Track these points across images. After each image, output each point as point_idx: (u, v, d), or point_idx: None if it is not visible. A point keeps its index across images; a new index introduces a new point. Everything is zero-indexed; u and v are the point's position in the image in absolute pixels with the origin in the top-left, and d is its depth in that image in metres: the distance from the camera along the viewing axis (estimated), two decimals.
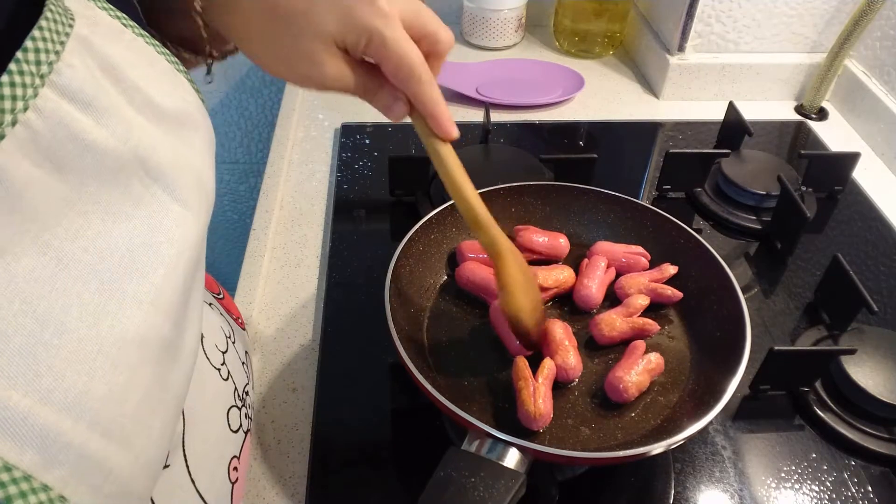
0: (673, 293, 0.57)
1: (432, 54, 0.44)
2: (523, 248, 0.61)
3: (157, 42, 0.33)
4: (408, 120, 0.47)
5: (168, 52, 0.34)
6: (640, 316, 0.56)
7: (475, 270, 0.58)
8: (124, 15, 0.32)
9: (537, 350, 0.54)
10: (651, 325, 0.55)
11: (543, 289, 0.58)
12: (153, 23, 0.44)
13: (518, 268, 0.51)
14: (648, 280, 0.58)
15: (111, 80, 0.29)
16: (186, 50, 0.47)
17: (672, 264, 0.60)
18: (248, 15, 0.41)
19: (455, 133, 0.46)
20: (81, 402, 0.24)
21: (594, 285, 0.58)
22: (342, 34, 0.40)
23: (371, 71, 0.44)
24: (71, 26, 0.27)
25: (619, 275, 0.60)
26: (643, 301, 0.56)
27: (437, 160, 0.47)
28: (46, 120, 0.25)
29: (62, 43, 0.26)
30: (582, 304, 0.58)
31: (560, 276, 0.59)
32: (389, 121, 0.92)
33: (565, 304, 0.59)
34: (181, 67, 0.35)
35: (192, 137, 0.33)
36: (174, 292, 0.30)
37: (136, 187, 0.29)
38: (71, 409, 0.24)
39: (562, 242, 0.62)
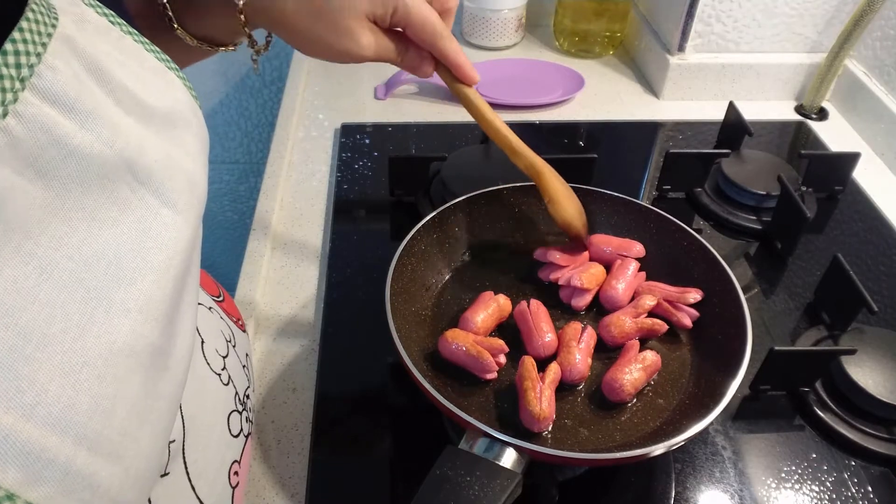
0: (679, 321, 0.56)
1: (444, 11, 0.52)
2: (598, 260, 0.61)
3: (145, 40, 0.33)
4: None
5: (157, 49, 0.34)
6: (647, 317, 0.56)
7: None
8: (111, 12, 0.31)
9: (585, 249, 0.60)
10: (659, 324, 0.55)
11: (586, 290, 0.57)
12: (181, 23, 0.48)
13: (558, 180, 0.58)
14: (665, 295, 0.57)
15: (97, 81, 0.28)
16: (209, 44, 0.51)
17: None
18: (286, 7, 0.47)
19: (477, 77, 0.54)
20: (66, 416, 0.23)
21: (622, 286, 0.57)
22: (372, 8, 0.47)
23: (397, 37, 0.51)
24: (54, 26, 0.26)
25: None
26: (651, 301, 0.56)
27: (466, 102, 0.55)
28: (27, 125, 0.24)
29: (44, 44, 0.25)
30: (608, 304, 0.58)
31: (597, 273, 0.58)
32: (389, 120, 0.93)
33: (591, 305, 0.59)
34: (172, 65, 0.34)
35: (183, 137, 0.33)
36: (164, 299, 0.29)
37: (124, 191, 0.28)
38: (55, 425, 0.23)
39: (637, 249, 0.61)
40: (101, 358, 0.25)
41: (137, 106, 0.30)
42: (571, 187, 0.64)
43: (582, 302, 0.58)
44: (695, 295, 0.56)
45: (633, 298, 0.58)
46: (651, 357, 0.52)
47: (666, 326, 0.55)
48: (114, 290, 0.26)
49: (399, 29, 0.50)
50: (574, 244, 0.61)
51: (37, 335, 0.23)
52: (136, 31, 0.32)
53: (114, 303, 0.26)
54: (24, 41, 0.24)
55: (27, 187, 0.24)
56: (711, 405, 0.46)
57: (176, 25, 0.48)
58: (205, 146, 0.35)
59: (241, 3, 0.46)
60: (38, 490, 0.22)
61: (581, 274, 0.58)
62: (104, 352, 0.25)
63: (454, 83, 0.54)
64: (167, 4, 0.47)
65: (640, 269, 0.61)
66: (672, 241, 0.60)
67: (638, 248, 0.61)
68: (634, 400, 0.51)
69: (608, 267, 0.60)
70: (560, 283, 0.58)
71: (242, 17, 0.47)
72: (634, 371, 0.51)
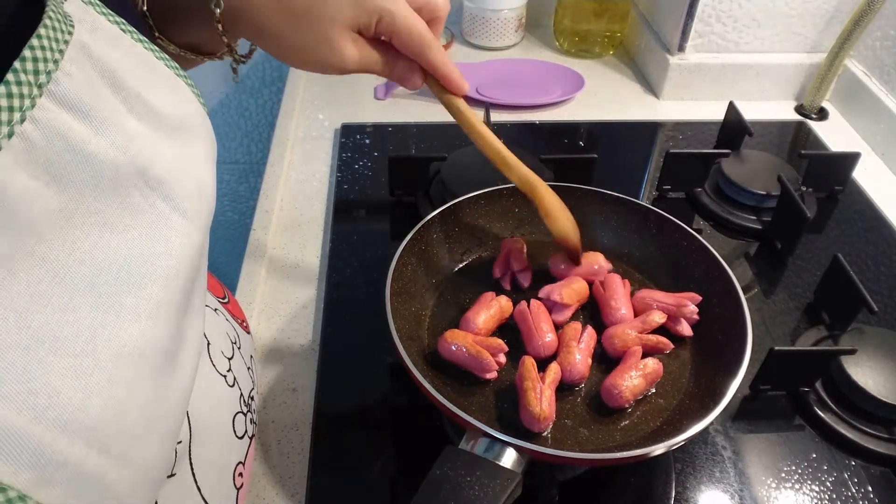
0: (679, 332, 0.55)
1: (433, 21, 0.49)
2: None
3: (155, 48, 0.33)
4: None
5: (167, 56, 0.34)
6: (653, 332, 0.55)
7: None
8: (122, 20, 0.31)
9: (578, 264, 0.59)
10: (664, 343, 0.54)
11: (566, 306, 0.56)
12: (162, 31, 0.46)
13: (551, 194, 0.56)
14: (663, 308, 0.56)
15: (111, 88, 0.28)
16: (192, 53, 0.49)
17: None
18: (265, 16, 0.44)
19: (466, 87, 0.52)
20: (77, 419, 0.24)
21: (623, 307, 0.56)
22: (356, 17, 0.45)
23: (383, 47, 0.48)
24: (70, 33, 0.26)
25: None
26: (660, 318, 0.55)
27: (456, 114, 0.53)
28: (44, 131, 0.24)
29: (61, 51, 0.25)
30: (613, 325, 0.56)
31: (579, 288, 0.57)
32: (390, 121, 0.93)
33: (593, 321, 0.57)
34: (181, 72, 0.34)
35: (192, 144, 0.33)
36: (173, 303, 0.29)
37: (136, 197, 0.28)
38: (66, 427, 0.23)
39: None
40: (112, 361, 0.25)
41: (149, 113, 0.30)
42: (571, 188, 0.64)
43: (562, 317, 0.56)
44: (692, 307, 0.56)
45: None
46: (652, 365, 0.51)
47: (671, 345, 0.54)
48: (124, 295, 0.27)
49: (385, 38, 0.48)
50: (571, 258, 0.59)
51: (49, 338, 0.24)
52: (146, 39, 0.33)
53: (124, 307, 0.26)
54: (42, 48, 0.24)
55: (42, 192, 0.24)
56: (711, 405, 0.46)
57: (157, 34, 0.46)
58: (213, 153, 0.36)
59: (219, 11, 0.44)
60: (49, 491, 0.22)
61: (562, 289, 0.56)
62: (115, 355, 0.25)
63: (443, 94, 0.52)
64: (147, 13, 0.45)
65: (639, 272, 0.61)
66: (672, 241, 0.61)
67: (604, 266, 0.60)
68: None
69: (591, 284, 0.59)
70: (540, 295, 0.57)
71: (220, 25, 0.44)
72: (635, 378, 0.50)
